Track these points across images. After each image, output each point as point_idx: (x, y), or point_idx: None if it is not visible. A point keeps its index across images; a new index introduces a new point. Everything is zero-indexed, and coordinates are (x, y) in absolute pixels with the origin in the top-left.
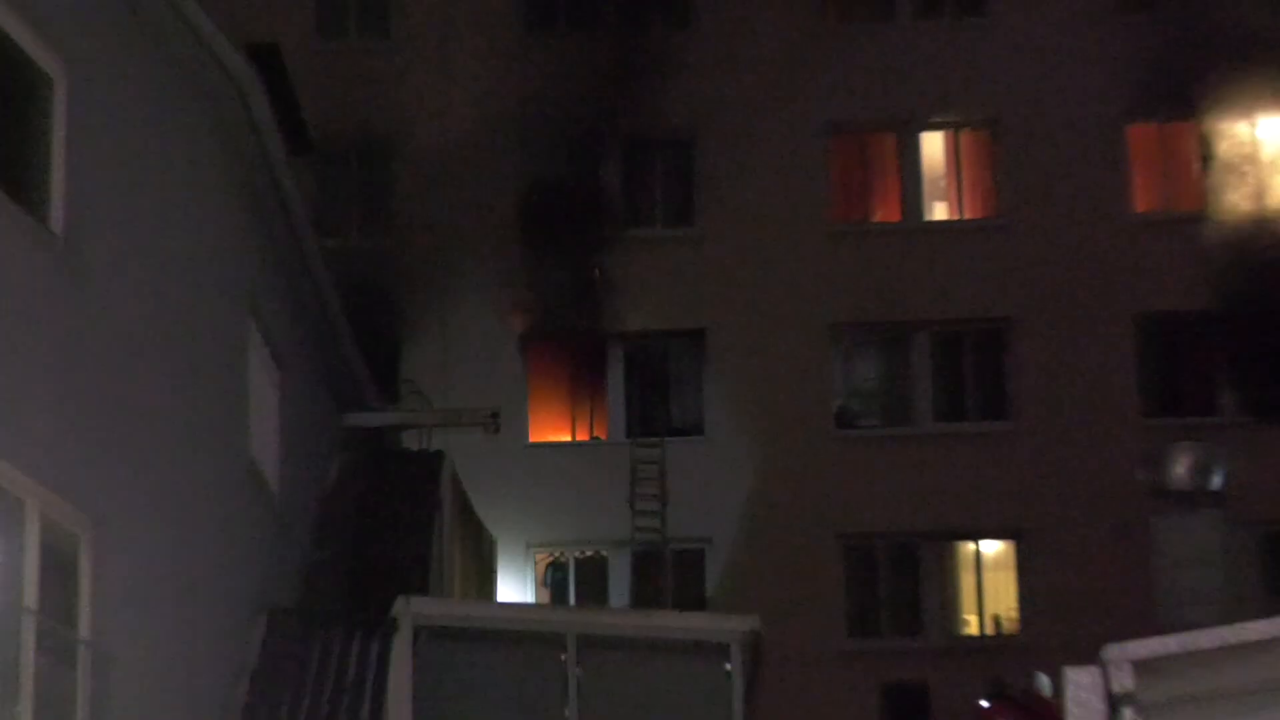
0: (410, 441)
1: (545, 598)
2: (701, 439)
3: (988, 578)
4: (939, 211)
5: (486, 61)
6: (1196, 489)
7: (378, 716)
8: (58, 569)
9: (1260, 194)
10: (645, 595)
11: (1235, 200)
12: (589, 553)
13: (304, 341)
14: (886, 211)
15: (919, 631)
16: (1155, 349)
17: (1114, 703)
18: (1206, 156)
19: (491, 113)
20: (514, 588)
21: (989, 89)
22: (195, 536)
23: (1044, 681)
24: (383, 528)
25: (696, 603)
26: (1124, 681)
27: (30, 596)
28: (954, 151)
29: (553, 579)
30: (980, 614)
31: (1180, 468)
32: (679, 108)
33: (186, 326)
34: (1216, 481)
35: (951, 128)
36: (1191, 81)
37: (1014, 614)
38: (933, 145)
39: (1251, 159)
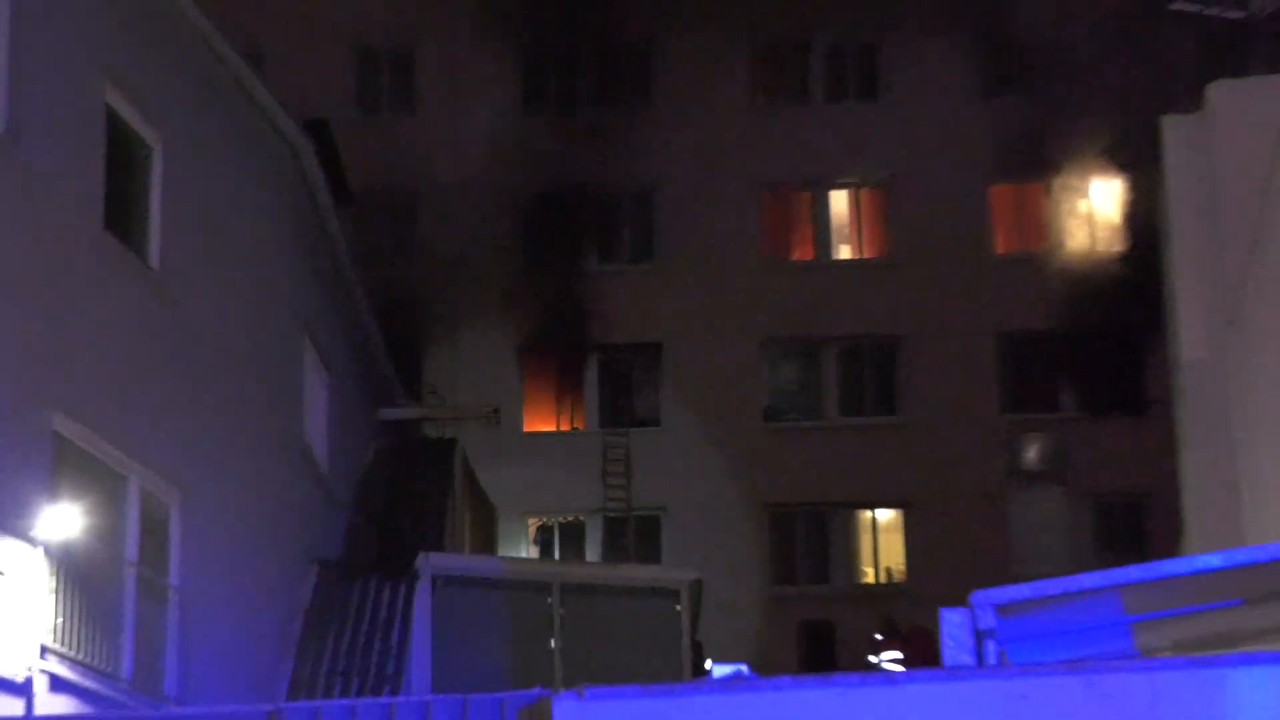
0: (430, 431)
1: (535, 553)
2: (659, 429)
3: (882, 538)
4: (844, 252)
5: (490, 133)
6: (1043, 470)
7: (404, 647)
8: (153, 530)
9: (1091, 239)
10: (614, 551)
11: (1071, 244)
12: (570, 518)
13: (346, 351)
14: (803, 252)
15: (828, 580)
16: (1011, 359)
17: (980, 637)
18: (1050, 209)
19: (494, 173)
20: (511, 545)
21: (882, 157)
22: (261, 504)
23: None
24: (408, 498)
25: (654, 557)
26: (988, 620)
27: (132, 551)
28: (855, 205)
29: (541, 539)
30: (876, 567)
31: (1031, 453)
32: (642, 169)
33: (254, 340)
34: (1058, 464)
35: (853, 187)
36: (1038, 151)
37: (902, 567)
38: (839, 200)
39: (1084, 211)
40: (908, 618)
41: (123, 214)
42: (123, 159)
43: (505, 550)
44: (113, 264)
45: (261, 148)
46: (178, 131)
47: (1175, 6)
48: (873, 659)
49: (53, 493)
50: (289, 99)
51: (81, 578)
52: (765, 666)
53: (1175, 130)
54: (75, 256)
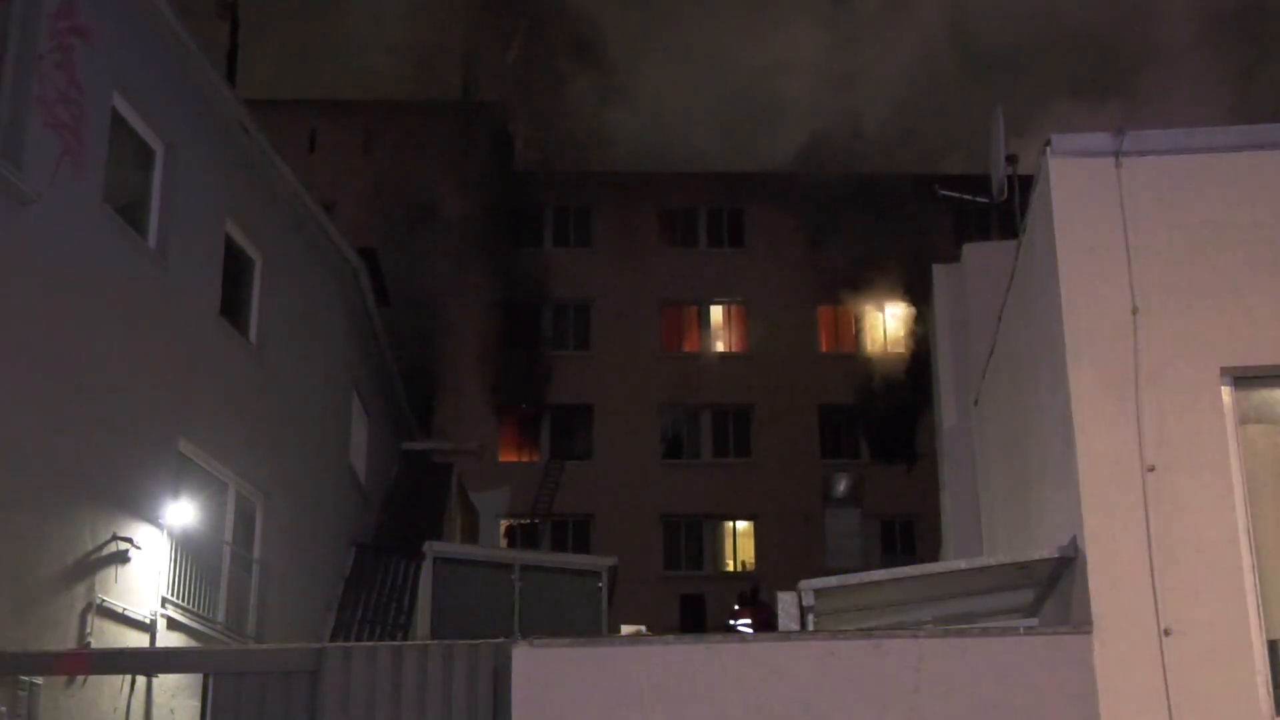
0: (435, 458)
1: (504, 544)
2: (591, 461)
3: (739, 540)
4: (718, 347)
5: (486, 272)
6: (847, 497)
7: (412, 605)
8: (244, 520)
9: (883, 344)
10: (557, 544)
11: (870, 347)
12: (527, 521)
13: (381, 402)
14: (690, 346)
15: (701, 568)
16: (827, 422)
17: (803, 612)
18: (856, 324)
19: (483, 294)
20: (488, 538)
21: (745, 285)
22: (318, 504)
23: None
24: (419, 503)
25: (585, 548)
26: (809, 600)
27: (228, 534)
28: (727, 316)
29: (508, 534)
30: (735, 559)
31: (839, 485)
32: (584, 289)
33: (318, 392)
34: (857, 494)
35: (725, 304)
36: (850, 285)
37: (752, 560)
38: (716, 313)
39: (878, 326)
40: (754, 594)
41: (232, 305)
42: (234, 268)
43: (483, 541)
44: (223, 338)
45: (329, 264)
46: (273, 251)
47: (942, 193)
48: (730, 623)
49: (175, 492)
50: (350, 232)
51: (193, 551)
52: (656, 626)
53: (941, 274)
54: (198, 331)
